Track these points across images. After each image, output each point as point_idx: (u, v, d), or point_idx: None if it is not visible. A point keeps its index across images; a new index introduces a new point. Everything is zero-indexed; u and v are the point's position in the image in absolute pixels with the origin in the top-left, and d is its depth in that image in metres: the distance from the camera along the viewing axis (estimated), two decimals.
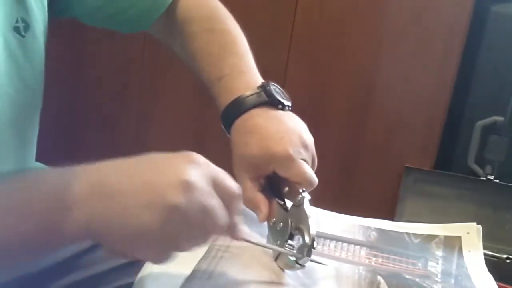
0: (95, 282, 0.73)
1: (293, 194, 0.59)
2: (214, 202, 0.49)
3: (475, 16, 1.58)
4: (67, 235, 0.46)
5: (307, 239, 0.56)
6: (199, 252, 0.59)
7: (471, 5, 1.57)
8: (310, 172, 0.61)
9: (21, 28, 0.59)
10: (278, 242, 0.59)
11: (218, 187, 0.49)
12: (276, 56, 1.73)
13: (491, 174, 1.63)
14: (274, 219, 0.60)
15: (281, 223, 0.59)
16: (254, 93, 0.65)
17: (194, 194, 0.47)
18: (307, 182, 0.60)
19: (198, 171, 0.48)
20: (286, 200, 0.61)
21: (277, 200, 0.61)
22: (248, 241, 0.55)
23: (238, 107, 0.65)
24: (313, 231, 0.56)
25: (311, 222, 0.56)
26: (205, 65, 0.71)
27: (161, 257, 0.49)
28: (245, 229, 0.54)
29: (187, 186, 0.47)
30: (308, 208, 0.57)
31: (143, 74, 1.94)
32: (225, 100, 0.67)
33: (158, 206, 0.46)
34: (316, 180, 0.61)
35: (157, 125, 1.98)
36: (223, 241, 0.61)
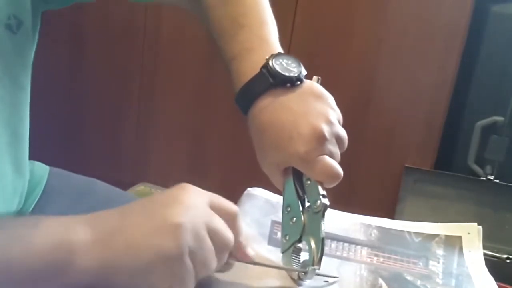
0: None
1: (313, 193, 0.57)
2: (218, 221, 0.50)
3: (475, 16, 1.58)
4: (73, 283, 0.46)
5: (314, 256, 0.55)
6: None
7: (471, 5, 1.57)
8: (329, 169, 0.56)
9: (13, 25, 0.58)
10: (287, 237, 0.58)
11: (217, 209, 0.50)
12: None
13: (491, 174, 1.63)
14: (289, 208, 0.59)
15: (295, 218, 0.58)
16: (259, 77, 0.60)
17: (195, 213, 0.48)
18: (328, 180, 0.57)
19: (194, 195, 0.50)
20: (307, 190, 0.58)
21: (297, 187, 0.58)
22: (256, 263, 0.55)
23: (246, 97, 0.61)
24: (321, 253, 0.55)
25: (322, 243, 0.55)
26: (220, 42, 0.66)
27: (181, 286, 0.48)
28: (251, 250, 0.54)
29: (186, 207, 0.48)
30: (324, 225, 0.55)
31: (143, 74, 1.94)
32: (235, 87, 0.63)
33: (164, 228, 0.47)
34: (338, 174, 0.57)
35: (157, 125, 1.98)
36: None
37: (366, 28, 1.69)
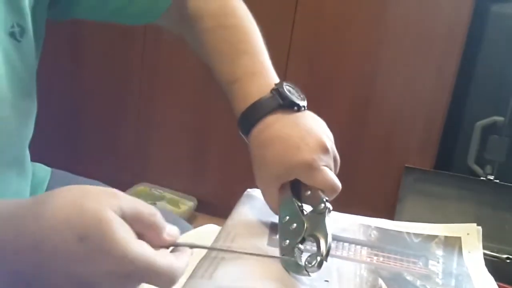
0: None
1: (315, 200, 0.59)
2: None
3: (475, 16, 1.58)
4: None
5: (322, 247, 0.55)
6: (200, 252, 0.59)
7: (471, 5, 1.57)
8: (332, 179, 0.60)
9: (16, 33, 0.59)
10: (288, 241, 0.59)
11: (132, 220, 0.42)
12: (276, 57, 1.73)
13: (491, 174, 1.63)
14: (288, 217, 0.60)
15: (295, 224, 0.59)
16: (268, 97, 0.64)
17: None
18: (330, 190, 0.60)
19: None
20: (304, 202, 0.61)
21: (295, 200, 0.60)
22: (178, 244, 0.47)
23: (253, 115, 0.64)
24: (329, 244, 0.55)
25: (329, 235, 0.56)
26: (218, 65, 0.70)
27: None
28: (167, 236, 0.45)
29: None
30: (329, 222, 0.57)
31: (143, 74, 1.94)
32: (240, 107, 0.66)
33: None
34: (339, 186, 0.60)
35: (157, 125, 1.98)
36: (224, 241, 0.61)
37: (366, 28, 1.69)
